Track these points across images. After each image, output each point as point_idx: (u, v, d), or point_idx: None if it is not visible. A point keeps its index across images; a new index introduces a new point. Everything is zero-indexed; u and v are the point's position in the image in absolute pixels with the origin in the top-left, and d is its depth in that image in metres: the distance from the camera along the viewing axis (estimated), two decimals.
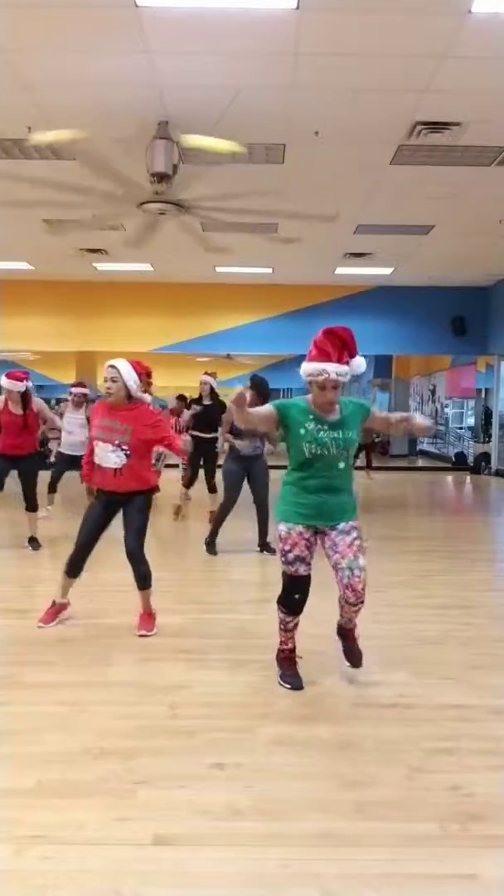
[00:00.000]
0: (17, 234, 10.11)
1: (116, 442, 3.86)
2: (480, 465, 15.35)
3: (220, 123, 6.01)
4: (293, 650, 3.42)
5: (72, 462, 7.67)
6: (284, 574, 3.30)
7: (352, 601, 3.22)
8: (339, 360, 3.13)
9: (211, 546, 6.32)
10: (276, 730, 2.91)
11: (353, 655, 3.42)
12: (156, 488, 4.18)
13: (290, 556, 3.25)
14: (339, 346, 3.15)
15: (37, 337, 14.34)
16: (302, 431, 3.17)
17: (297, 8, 4.50)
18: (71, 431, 7.63)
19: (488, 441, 15.82)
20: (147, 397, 4.14)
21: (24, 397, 6.13)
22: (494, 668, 3.69)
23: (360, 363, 3.23)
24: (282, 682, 3.35)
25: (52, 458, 8.33)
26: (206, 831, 2.24)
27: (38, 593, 5.09)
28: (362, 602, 3.25)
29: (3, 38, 4.95)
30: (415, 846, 2.19)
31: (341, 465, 3.22)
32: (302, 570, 3.26)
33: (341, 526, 3.24)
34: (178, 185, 6.32)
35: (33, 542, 6.40)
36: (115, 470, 3.88)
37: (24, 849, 2.14)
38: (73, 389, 8.07)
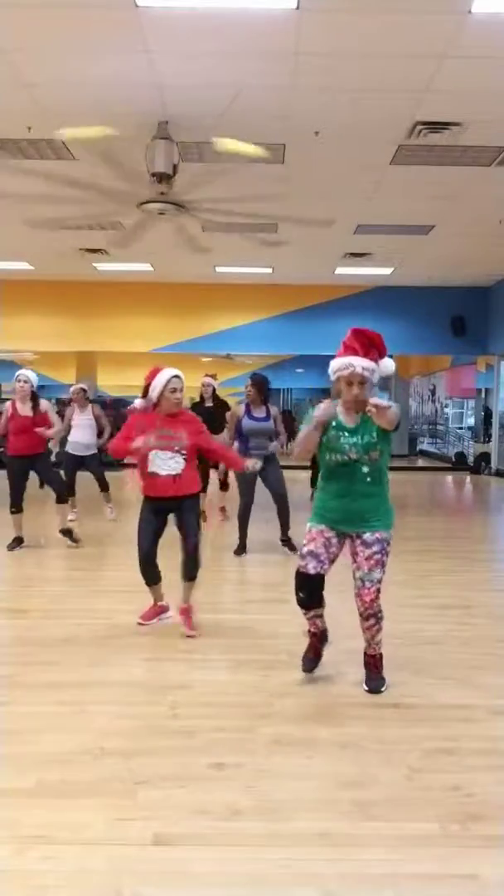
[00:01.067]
0: (17, 234, 10.10)
1: (176, 448, 3.97)
2: (480, 465, 15.34)
3: (221, 123, 6.01)
4: (315, 634, 3.41)
5: (81, 463, 7.68)
6: (297, 568, 3.31)
7: (361, 611, 3.25)
8: (367, 357, 3.13)
9: (242, 549, 6.27)
10: (276, 730, 2.91)
11: (372, 681, 3.32)
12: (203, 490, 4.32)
13: (305, 549, 3.27)
14: (367, 344, 3.16)
15: (37, 337, 14.34)
16: (325, 438, 3.21)
17: (297, 8, 4.50)
18: (79, 433, 7.65)
19: (488, 441, 15.82)
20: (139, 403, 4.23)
21: (34, 397, 6.18)
22: (495, 668, 3.69)
23: (388, 364, 3.23)
24: (302, 659, 3.40)
25: (53, 459, 8.33)
26: (206, 831, 2.24)
27: (39, 593, 5.10)
28: (374, 616, 3.24)
29: (3, 38, 4.95)
30: (415, 846, 2.18)
31: (365, 469, 3.20)
32: (311, 566, 3.22)
33: (367, 536, 3.24)
34: (178, 185, 6.32)
35: (68, 534, 6.38)
36: (175, 476, 3.98)
37: (24, 849, 2.14)
38: (73, 388, 8.09)
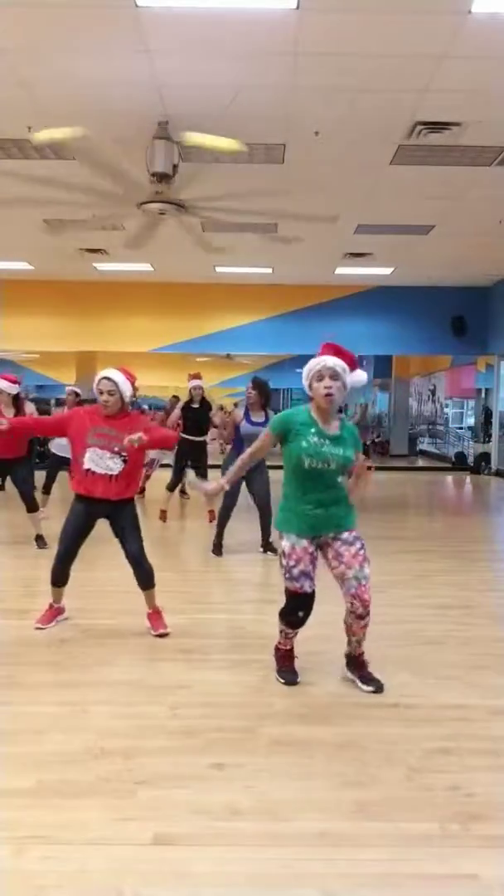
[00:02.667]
0: (17, 234, 10.11)
1: (115, 449, 3.85)
2: (480, 465, 15.34)
3: (220, 123, 6.01)
4: (292, 650, 3.43)
5: (64, 463, 7.68)
6: (288, 591, 3.24)
7: (360, 612, 3.19)
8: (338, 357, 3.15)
9: (217, 548, 6.29)
10: (276, 730, 2.91)
11: (373, 681, 3.31)
12: (140, 490, 4.19)
13: (295, 571, 3.19)
14: (336, 351, 3.18)
15: (37, 337, 14.34)
16: (304, 444, 3.13)
17: (297, 8, 4.50)
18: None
19: (488, 441, 15.82)
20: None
21: (17, 402, 6.13)
22: (495, 669, 3.68)
23: (360, 375, 3.23)
24: (277, 677, 3.38)
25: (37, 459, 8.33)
26: (206, 831, 2.24)
27: (38, 593, 5.09)
28: (369, 614, 3.23)
29: (2, 38, 4.95)
30: (415, 846, 2.19)
31: (339, 479, 3.20)
32: (307, 586, 3.20)
33: (345, 535, 3.21)
34: (178, 185, 6.32)
35: (39, 539, 6.41)
36: (112, 476, 3.85)
37: (24, 849, 2.14)
38: (67, 389, 8.11)
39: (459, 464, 16.69)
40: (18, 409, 6.12)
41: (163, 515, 7.95)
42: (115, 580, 4.65)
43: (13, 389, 6.09)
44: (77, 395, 7.97)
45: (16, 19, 4.72)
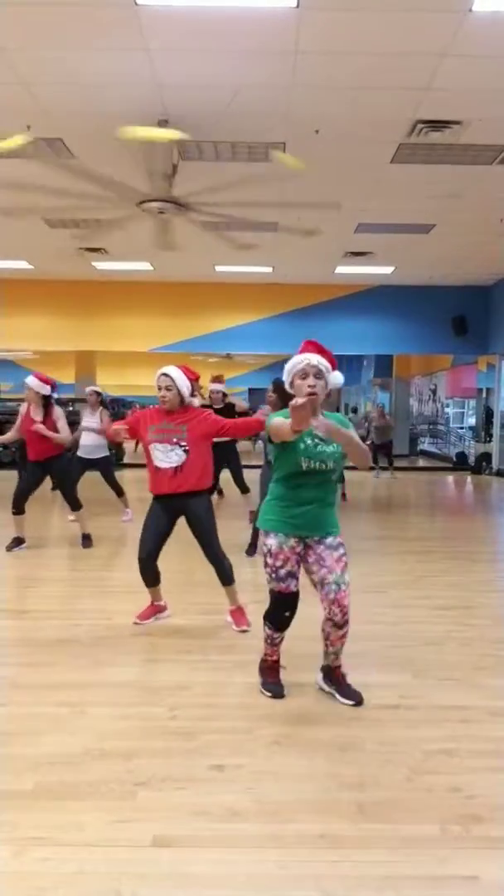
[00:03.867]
0: (17, 234, 10.10)
1: (174, 440, 3.92)
2: (481, 465, 15.33)
3: (221, 122, 6.00)
4: (277, 661, 3.34)
5: (88, 465, 7.66)
6: (273, 591, 3.16)
7: (338, 619, 3.08)
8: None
9: (253, 548, 6.24)
10: (276, 731, 2.90)
11: (353, 694, 3.23)
12: (214, 490, 4.19)
13: (282, 572, 3.12)
14: (319, 349, 3.15)
15: (36, 336, 14.33)
16: (302, 445, 3.08)
17: (298, 6, 4.49)
18: (86, 436, 7.62)
19: (489, 441, 15.81)
20: (196, 401, 4.16)
21: (47, 404, 6.13)
22: (496, 669, 3.67)
23: (337, 377, 3.19)
24: (262, 690, 3.27)
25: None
26: (205, 833, 2.23)
27: (39, 594, 5.09)
28: (348, 622, 3.12)
29: (2, 37, 4.94)
30: (415, 848, 2.18)
31: (333, 477, 3.16)
32: (293, 586, 3.15)
33: (329, 540, 3.15)
34: (178, 184, 6.31)
35: (86, 539, 6.42)
36: (175, 469, 3.92)
37: (23, 850, 2.13)
38: (87, 390, 8.05)
39: (460, 464, 16.68)
40: (47, 413, 6.10)
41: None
42: (116, 581, 4.64)
43: (44, 389, 6.07)
44: (98, 394, 7.94)
45: (16, 19, 4.71)
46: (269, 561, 3.14)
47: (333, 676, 3.27)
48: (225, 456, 7.70)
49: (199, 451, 3.98)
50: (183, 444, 3.93)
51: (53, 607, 4.67)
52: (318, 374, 3.03)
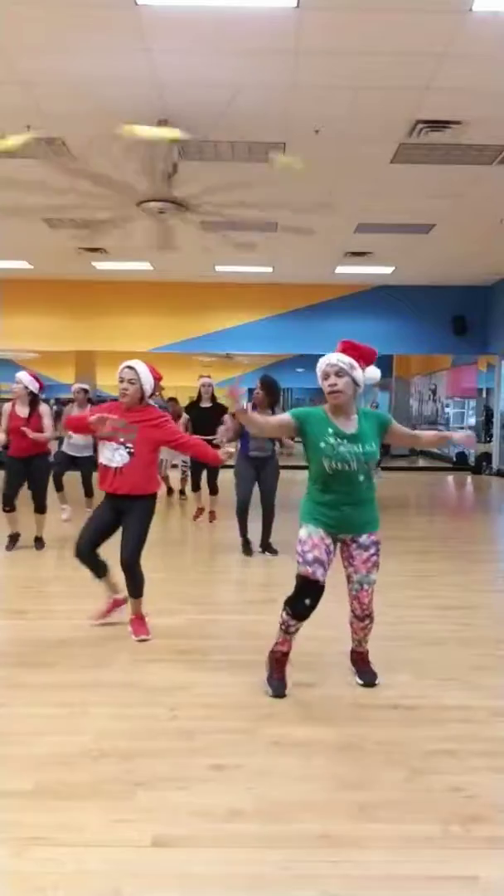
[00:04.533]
0: (17, 234, 10.09)
1: (121, 440, 3.81)
2: (481, 465, 15.33)
3: (220, 122, 6.00)
4: (287, 654, 3.30)
5: (73, 462, 7.68)
6: (299, 576, 3.14)
7: (357, 613, 3.27)
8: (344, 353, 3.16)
9: (246, 547, 6.27)
10: (276, 731, 2.90)
11: (366, 674, 3.38)
12: (157, 496, 4.06)
13: (309, 556, 3.11)
14: (347, 347, 3.20)
15: (36, 336, 14.32)
16: (322, 445, 3.10)
17: (298, 6, 4.49)
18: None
19: (489, 441, 15.81)
20: (152, 401, 4.12)
21: (33, 401, 6.18)
22: (496, 669, 3.67)
23: (372, 372, 3.23)
24: (266, 686, 3.27)
25: (52, 458, 8.32)
26: (205, 833, 2.23)
27: (37, 594, 5.08)
28: (369, 617, 3.29)
29: (2, 37, 4.94)
30: (416, 848, 2.17)
31: (361, 477, 3.15)
32: (319, 573, 3.10)
33: (363, 539, 3.20)
34: (178, 184, 6.31)
35: (38, 542, 6.45)
36: (116, 469, 3.82)
37: (23, 850, 2.13)
38: (74, 386, 8.09)
39: (460, 464, 16.67)
40: (33, 409, 6.17)
41: (198, 513, 8.04)
42: (116, 581, 4.63)
43: (34, 385, 6.19)
44: (86, 391, 7.97)
45: (15, 18, 4.71)
46: (299, 548, 3.18)
47: (356, 657, 3.43)
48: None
49: (144, 455, 3.84)
50: (129, 445, 3.80)
51: (52, 608, 4.67)
52: (340, 373, 3.12)
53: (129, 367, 3.85)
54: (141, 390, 3.85)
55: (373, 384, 3.30)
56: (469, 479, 14.84)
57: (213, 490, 7.87)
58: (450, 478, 15.25)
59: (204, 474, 7.92)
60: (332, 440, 3.10)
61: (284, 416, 3.32)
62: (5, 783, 2.51)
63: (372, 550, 3.22)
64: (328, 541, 3.17)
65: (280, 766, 2.63)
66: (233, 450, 4.26)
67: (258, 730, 2.90)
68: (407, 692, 3.31)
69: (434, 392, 22.19)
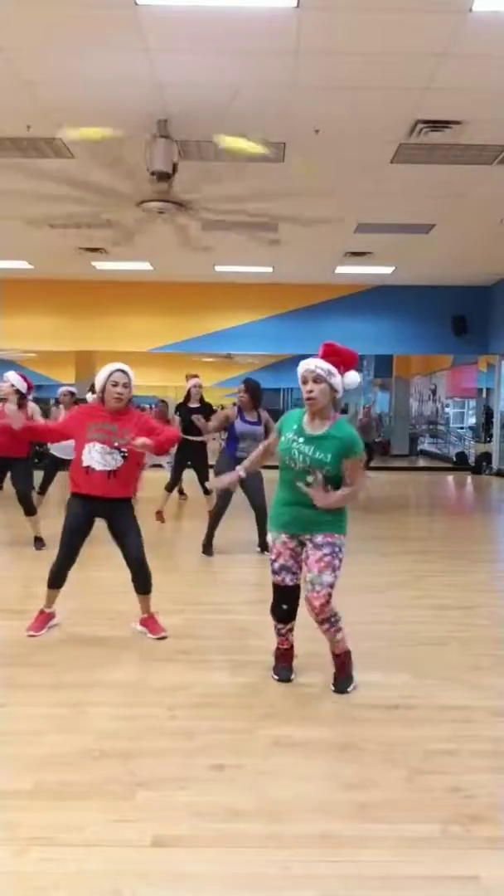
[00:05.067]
0: (17, 234, 10.09)
1: (116, 444, 3.82)
2: (481, 465, 15.33)
3: (221, 122, 5.99)
4: (289, 649, 3.46)
5: (61, 464, 7.66)
6: (273, 584, 3.34)
7: (312, 616, 3.21)
8: (324, 360, 3.16)
9: (207, 548, 6.31)
10: (276, 731, 2.90)
11: (338, 682, 3.31)
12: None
13: (276, 565, 3.30)
14: (328, 352, 3.19)
15: (37, 336, 14.33)
16: (283, 439, 3.23)
17: (298, 6, 4.49)
18: None
19: (489, 441, 15.81)
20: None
21: (21, 401, 6.19)
22: (496, 669, 3.67)
23: (352, 377, 3.24)
24: (273, 674, 3.42)
25: (35, 460, 8.29)
26: (205, 833, 2.23)
27: (38, 594, 5.07)
28: (328, 622, 3.20)
29: (2, 37, 4.94)
30: (416, 847, 2.17)
31: (309, 479, 3.13)
32: (288, 579, 3.29)
33: (318, 538, 3.19)
34: (177, 184, 6.31)
35: (38, 541, 6.42)
36: (109, 473, 3.82)
37: (23, 850, 2.13)
38: (61, 389, 8.12)
39: (460, 464, 16.68)
40: (21, 408, 6.14)
41: (159, 516, 7.93)
42: (113, 580, 4.63)
43: (22, 385, 6.22)
44: (73, 394, 7.98)
45: (16, 19, 4.71)
46: (269, 556, 3.34)
47: (332, 660, 3.37)
48: (194, 455, 7.73)
49: (134, 460, 3.91)
50: (123, 449, 3.82)
51: (53, 607, 4.66)
52: (317, 379, 3.13)
53: (124, 372, 3.88)
54: (129, 395, 3.92)
55: (355, 386, 3.26)
56: (469, 479, 14.84)
57: (206, 490, 7.86)
58: (450, 478, 15.25)
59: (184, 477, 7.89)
60: (290, 435, 3.20)
61: (273, 434, 3.42)
62: (5, 783, 2.51)
63: (325, 550, 3.17)
64: (292, 544, 3.27)
65: (280, 766, 2.63)
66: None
67: (258, 730, 2.90)
68: (407, 692, 3.31)
69: (434, 392, 22.20)
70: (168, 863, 2.09)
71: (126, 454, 3.84)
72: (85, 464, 3.83)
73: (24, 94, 5.81)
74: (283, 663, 3.44)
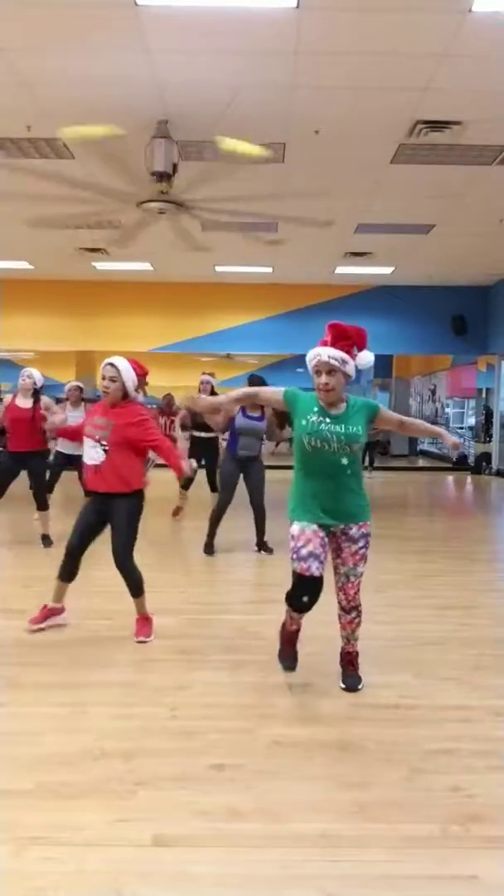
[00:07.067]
0: (17, 234, 10.08)
1: (97, 437, 3.81)
2: (481, 465, 15.33)
3: (221, 122, 5.99)
4: (297, 631, 3.41)
5: (69, 461, 7.68)
6: (295, 573, 3.09)
7: (344, 605, 3.26)
8: (335, 346, 3.11)
9: (209, 547, 6.31)
10: (276, 731, 2.90)
11: (350, 680, 3.31)
12: (143, 493, 4.00)
13: (303, 551, 3.04)
14: (339, 335, 3.14)
15: (36, 336, 14.32)
16: (304, 422, 3.11)
17: (298, 6, 4.49)
18: None
19: (489, 441, 15.81)
20: (140, 397, 4.06)
21: (35, 395, 6.29)
22: (495, 669, 3.67)
23: (365, 356, 3.19)
24: (278, 661, 3.42)
25: (52, 457, 8.31)
26: (205, 832, 2.23)
27: (38, 593, 5.07)
28: (356, 609, 3.26)
29: (2, 37, 4.94)
30: (415, 847, 2.18)
31: (344, 461, 3.08)
32: (314, 567, 3.03)
33: (353, 531, 3.16)
34: (177, 184, 6.31)
35: (45, 539, 6.42)
36: (95, 467, 3.83)
37: (23, 850, 2.13)
38: (68, 384, 8.13)
39: (460, 464, 16.68)
40: (35, 402, 6.28)
41: (176, 511, 8.08)
42: (114, 580, 4.63)
43: (41, 381, 6.37)
44: (80, 389, 8.00)
45: (16, 19, 4.71)
46: (292, 544, 3.12)
47: (344, 658, 3.38)
48: (205, 451, 7.75)
49: (121, 453, 3.80)
50: (104, 443, 3.79)
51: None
52: (331, 371, 3.09)
53: (111, 365, 3.82)
54: (123, 388, 3.84)
55: (370, 366, 3.23)
56: (469, 479, 14.85)
57: (213, 487, 7.88)
58: (450, 478, 15.26)
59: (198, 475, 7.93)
60: (313, 417, 3.11)
61: (279, 388, 3.37)
62: (6, 782, 2.51)
63: (361, 543, 3.17)
64: (322, 534, 3.11)
65: (280, 766, 2.63)
66: (195, 466, 4.33)
67: (258, 730, 2.91)
68: (407, 692, 3.31)
69: (434, 392, 22.18)
70: (168, 863, 2.09)
71: (107, 448, 3.79)
72: (84, 459, 3.92)
73: (24, 94, 5.81)
74: (290, 650, 3.41)
